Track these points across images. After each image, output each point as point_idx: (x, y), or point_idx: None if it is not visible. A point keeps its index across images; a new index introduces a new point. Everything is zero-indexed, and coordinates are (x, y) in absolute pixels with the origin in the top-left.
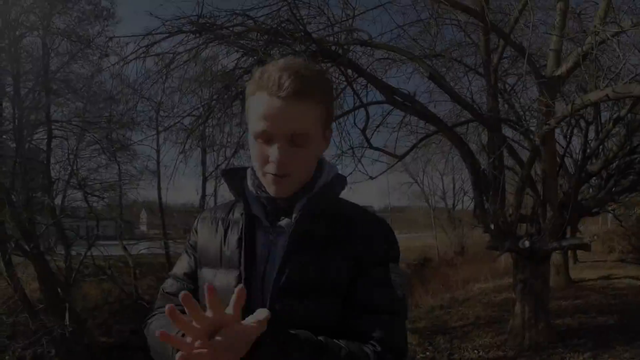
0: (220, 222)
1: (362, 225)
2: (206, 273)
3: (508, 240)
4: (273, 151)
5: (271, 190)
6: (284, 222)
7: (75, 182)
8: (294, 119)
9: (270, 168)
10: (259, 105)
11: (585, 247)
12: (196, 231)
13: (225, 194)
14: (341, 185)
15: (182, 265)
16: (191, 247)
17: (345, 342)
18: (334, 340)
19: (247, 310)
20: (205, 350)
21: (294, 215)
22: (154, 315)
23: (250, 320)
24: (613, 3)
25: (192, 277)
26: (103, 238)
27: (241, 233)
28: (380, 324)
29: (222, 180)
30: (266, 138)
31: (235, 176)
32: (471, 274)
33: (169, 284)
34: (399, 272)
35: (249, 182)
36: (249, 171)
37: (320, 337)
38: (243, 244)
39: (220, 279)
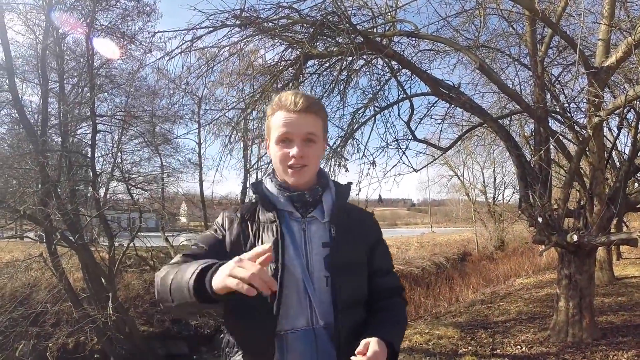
0: (249, 224)
1: (365, 217)
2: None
3: (555, 234)
4: (294, 149)
5: (291, 180)
6: (315, 212)
7: (119, 175)
8: (306, 124)
9: (292, 162)
10: (280, 119)
11: (634, 242)
12: (223, 228)
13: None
14: (349, 188)
15: (207, 240)
16: (217, 235)
17: (388, 308)
18: (388, 312)
19: (292, 290)
20: None
21: (325, 209)
22: (165, 266)
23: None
24: None
25: (212, 250)
26: (145, 230)
27: (277, 235)
28: (394, 277)
29: (264, 179)
30: (287, 141)
31: (259, 186)
32: (512, 268)
33: (190, 250)
34: (385, 242)
35: (270, 188)
36: (266, 180)
37: (387, 318)
38: (280, 244)
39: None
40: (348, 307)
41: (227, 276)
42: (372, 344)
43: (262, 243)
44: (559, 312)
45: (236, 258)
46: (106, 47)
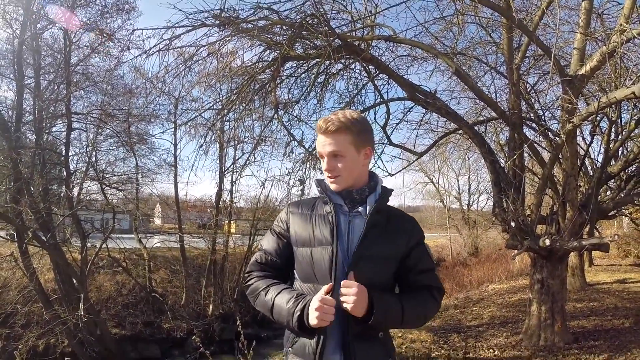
0: (309, 217)
1: (405, 219)
2: (302, 250)
3: (527, 238)
4: (324, 164)
5: (332, 187)
6: (360, 209)
7: (93, 174)
8: (330, 144)
9: (326, 174)
10: (318, 140)
11: (605, 247)
12: (286, 222)
13: (242, 188)
14: (390, 194)
15: (270, 244)
16: (279, 233)
17: (411, 293)
18: (407, 293)
19: (337, 268)
20: (353, 290)
21: (367, 207)
22: (251, 277)
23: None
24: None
25: (278, 253)
26: (118, 231)
27: (333, 224)
28: (430, 277)
29: (239, 182)
30: (322, 157)
31: (322, 182)
32: (485, 274)
33: (260, 256)
34: (428, 246)
35: (329, 186)
36: (326, 180)
37: (400, 294)
38: (335, 231)
39: (316, 253)
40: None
41: (317, 319)
42: (358, 284)
43: (321, 232)
44: (531, 316)
45: (315, 306)
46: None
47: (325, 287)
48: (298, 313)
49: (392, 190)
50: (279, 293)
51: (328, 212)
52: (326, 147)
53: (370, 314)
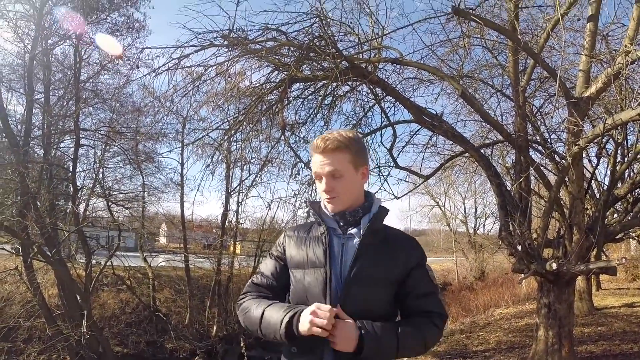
0: (303, 239)
1: (403, 239)
2: (297, 273)
3: (534, 262)
4: (322, 185)
5: (329, 208)
6: (353, 230)
7: (100, 191)
8: (329, 163)
9: (324, 195)
10: (314, 160)
11: (613, 270)
12: (283, 245)
13: (248, 209)
14: (386, 213)
15: (268, 267)
16: (277, 256)
17: (408, 319)
18: (403, 320)
19: (330, 292)
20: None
21: (361, 228)
22: (245, 297)
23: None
24: None
25: (275, 276)
26: (124, 249)
27: (325, 245)
28: (431, 301)
29: (245, 203)
30: (319, 178)
31: (315, 204)
32: (491, 299)
33: (258, 279)
34: (430, 269)
35: (323, 208)
36: (322, 202)
37: (396, 322)
38: (327, 252)
39: (309, 275)
40: (354, 316)
41: (309, 323)
42: (346, 319)
43: (314, 253)
44: (538, 341)
45: (311, 310)
46: (108, 43)
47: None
48: (287, 319)
49: (387, 209)
50: (270, 305)
51: (322, 233)
52: (325, 167)
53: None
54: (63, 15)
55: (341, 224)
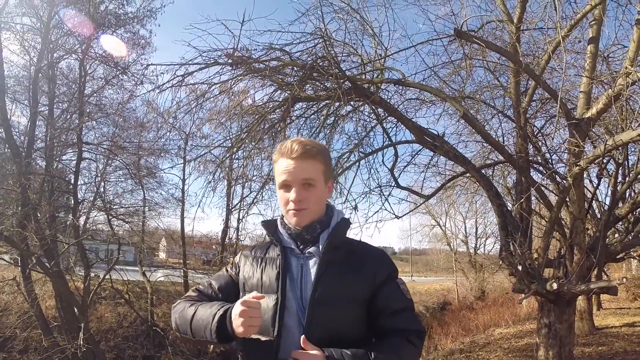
0: (259, 260)
1: (370, 253)
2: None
3: (535, 282)
4: (292, 194)
5: (293, 222)
6: (312, 249)
7: (100, 205)
8: (302, 170)
9: (291, 205)
10: (280, 166)
11: (614, 290)
12: (238, 265)
13: (248, 226)
14: (348, 226)
15: (218, 280)
16: (229, 273)
17: (382, 341)
18: (377, 343)
19: (285, 321)
20: None
21: (320, 245)
22: (181, 299)
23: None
24: None
25: (222, 292)
26: (123, 262)
27: (279, 268)
28: (405, 318)
29: (245, 220)
30: (287, 186)
31: (271, 224)
32: (491, 318)
33: (204, 287)
34: (402, 281)
35: (279, 227)
36: (279, 220)
37: (369, 347)
38: (281, 276)
39: (263, 301)
40: (323, 343)
41: (241, 325)
42: (313, 350)
43: (267, 277)
44: None
45: (238, 307)
46: (113, 44)
47: (253, 293)
48: (218, 316)
49: (348, 221)
50: (203, 304)
51: (277, 255)
52: (298, 173)
53: None
54: (69, 30)
55: (298, 243)
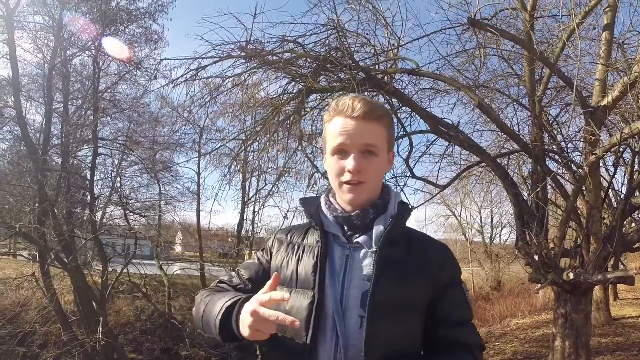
0: (296, 247)
1: (434, 251)
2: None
3: (551, 272)
4: (349, 161)
5: (347, 198)
6: (361, 238)
7: (117, 200)
8: (365, 133)
9: (347, 176)
10: (336, 127)
11: (630, 280)
12: (270, 251)
13: (264, 218)
14: (409, 213)
15: (248, 269)
16: (259, 260)
17: (445, 356)
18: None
19: (321, 325)
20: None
21: (373, 235)
22: (202, 290)
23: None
24: None
25: (253, 282)
26: (139, 256)
27: (317, 258)
28: (470, 331)
29: (261, 212)
30: (343, 152)
31: (311, 203)
32: (508, 309)
33: (229, 278)
34: (466, 287)
35: (324, 207)
36: (322, 198)
37: None
38: (319, 268)
39: (294, 298)
40: (384, 358)
41: (248, 327)
42: None
43: (304, 269)
44: (555, 352)
45: (252, 303)
46: (114, 47)
47: (269, 283)
48: (225, 308)
49: (410, 207)
50: (219, 293)
51: (317, 241)
52: (359, 137)
53: None
54: (82, 27)
55: (345, 228)
